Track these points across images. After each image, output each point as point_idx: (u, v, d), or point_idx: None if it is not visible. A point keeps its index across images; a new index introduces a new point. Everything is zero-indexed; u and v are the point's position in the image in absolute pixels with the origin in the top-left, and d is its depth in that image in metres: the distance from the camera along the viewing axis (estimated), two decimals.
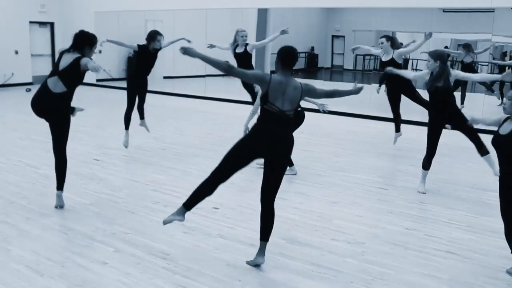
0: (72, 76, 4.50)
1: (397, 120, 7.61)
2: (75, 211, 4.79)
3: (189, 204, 3.64)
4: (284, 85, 3.54)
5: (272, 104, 3.52)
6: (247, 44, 7.55)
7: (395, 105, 7.52)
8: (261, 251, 3.72)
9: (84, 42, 4.60)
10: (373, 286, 3.49)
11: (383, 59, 7.28)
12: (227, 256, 3.91)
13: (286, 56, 3.61)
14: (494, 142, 3.67)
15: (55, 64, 4.60)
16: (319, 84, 8.55)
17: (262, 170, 3.70)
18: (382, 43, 7.25)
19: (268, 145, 3.53)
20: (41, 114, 4.66)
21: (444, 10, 11.88)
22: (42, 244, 4.02)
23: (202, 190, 3.63)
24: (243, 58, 7.51)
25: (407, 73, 6.33)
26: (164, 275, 3.56)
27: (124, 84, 7.95)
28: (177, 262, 3.77)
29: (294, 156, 6.30)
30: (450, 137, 6.47)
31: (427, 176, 5.71)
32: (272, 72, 3.83)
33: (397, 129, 7.64)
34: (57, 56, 4.76)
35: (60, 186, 4.82)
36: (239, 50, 7.54)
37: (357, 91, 3.85)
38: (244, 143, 3.62)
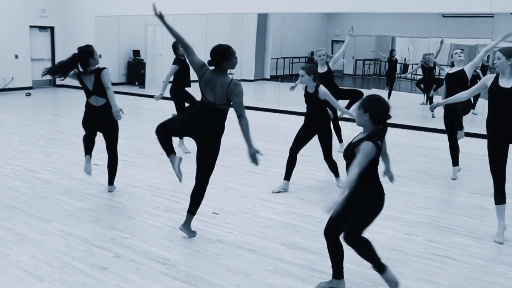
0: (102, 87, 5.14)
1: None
2: (74, 216, 4.79)
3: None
4: (213, 82, 3.99)
5: (204, 96, 4.06)
6: (327, 62, 7.20)
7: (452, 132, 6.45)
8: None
9: (86, 56, 5.09)
10: None
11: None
12: (227, 261, 3.91)
13: (213, 53, 4.01)
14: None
15: (84, 86, 5.18)
16: None
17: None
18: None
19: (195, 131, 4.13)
20: (97, 129, 5.38)
21: (444, 15, 11.92)
22: (41, 249, 4.01)
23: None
24: (327, 76, 7.01)
25: (461, 95, 5.00)
26: (163, 281, 3.55)
27: (123, 88, 7.95)
28: (177, 267, 3.76)
29: None
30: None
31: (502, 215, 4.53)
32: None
33: (455, 163, 6.48)
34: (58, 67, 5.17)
35: (111, 181, 5.54)
36: (322, 70, 7.04)
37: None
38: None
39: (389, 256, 4.07)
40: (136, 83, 16.21)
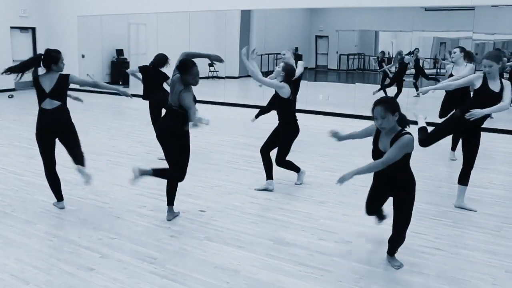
0: (64, 91, 4.82)
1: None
2: (60, 218, 4.74)
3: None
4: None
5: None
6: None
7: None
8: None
9: (49, 60, 4.77)
10: (362, 285, 3.50)
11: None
12: (214, 258, 3.90)
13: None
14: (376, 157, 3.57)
15: (39, 89, 4.74)
16: (303, 84, 8.55)
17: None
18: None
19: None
20: (55, 134, 4.80)
21: (426, 9, 12.01)
22: (27, 251, 3.97)
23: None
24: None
25: (449, 85, 5.48)
26: (151, 279, 3.53)
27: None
28: (164, 266, 3.75)
29: None
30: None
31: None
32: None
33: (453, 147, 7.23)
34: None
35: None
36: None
37: None
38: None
39: (377, 249, 4.10)
40: (120, 83, 16.08)
